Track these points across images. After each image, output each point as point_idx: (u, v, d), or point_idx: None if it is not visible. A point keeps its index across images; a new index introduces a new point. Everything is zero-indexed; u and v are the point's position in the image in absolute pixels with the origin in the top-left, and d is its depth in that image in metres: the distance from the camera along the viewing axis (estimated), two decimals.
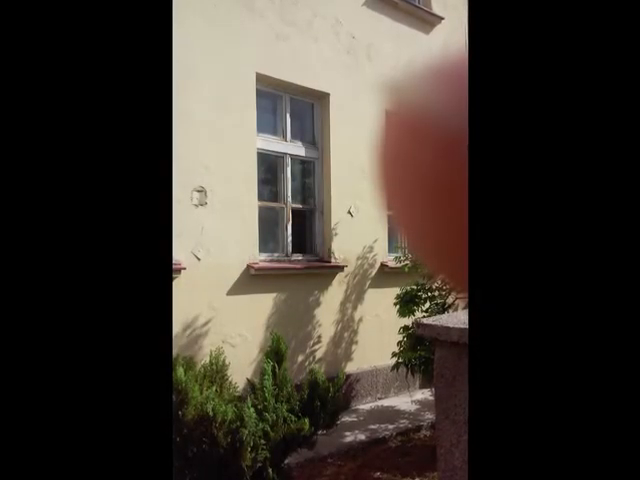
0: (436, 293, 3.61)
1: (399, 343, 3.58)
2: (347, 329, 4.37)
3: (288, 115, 4.21)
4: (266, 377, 2.49)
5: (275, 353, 2.64)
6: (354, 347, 4.40)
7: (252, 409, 2.34)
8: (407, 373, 3.53)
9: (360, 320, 4.43)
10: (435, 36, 5.05)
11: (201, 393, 2.36)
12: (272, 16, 3.95)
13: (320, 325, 4.19)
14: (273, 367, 2.56)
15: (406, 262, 3.79)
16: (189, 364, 2.64)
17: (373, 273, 4.54)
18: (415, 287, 3.64)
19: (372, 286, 4.52)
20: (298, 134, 4.31)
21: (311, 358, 4.13)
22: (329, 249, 4.29)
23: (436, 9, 5.10)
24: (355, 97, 4.34)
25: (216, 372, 2.66)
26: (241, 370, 3.36)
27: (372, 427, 3.76)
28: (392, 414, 4.06)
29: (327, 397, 2.61)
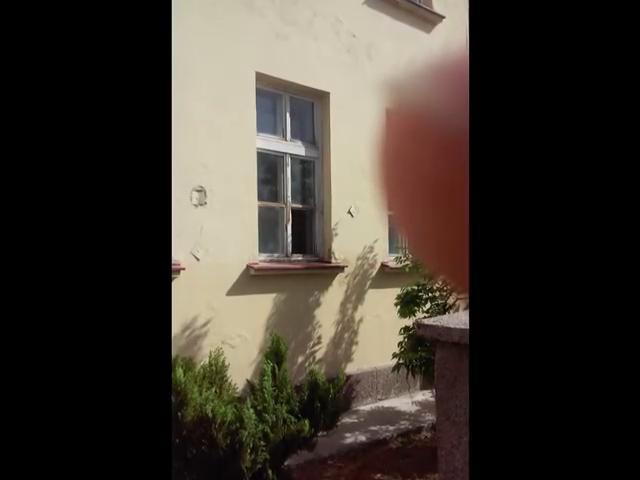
0: (437, 294, 3.61)
1: (400, 344, 3.58)
2: (347, 330, 4.37)
3: (288, 114, 4.21)
4: (266, 378, 2.49)
5: (275, 354, 2.64)
6: (354, 348, 4.40)
7: (252, 410, 2.34)
8: (408, 374, 3.53)
9: (360, 321, 4.43)
10: (436, 35, 5.05)
11: (200, 394, 2.36)
12: (272, 15, 3.95)
13: (320, 326, 4.19)
14: (273, 368, 2.56)
15: (407, 262, 3.79)
16: (188, 365, 2.64)
17: (373, 273, 4.54)
18: (416, 287, 3.64)
19: (372, 286, 4.52)
20: (298, 133, 4.31)
21: (311, 359, 4.13)
22: (329, 249, 4.29)
23: (437, 8, 5.10)
24: (355, 96, 4.34)
25: (215, 373, 2.66)
26: (241, 371, 3.36)
27: (372, 428, 3.76)
28: (392, 415, 4.06)
29: (327, 398, 2.61)
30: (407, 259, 3.80)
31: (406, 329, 3.55)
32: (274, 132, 4.16)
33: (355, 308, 4.42)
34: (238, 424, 2.29)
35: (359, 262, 4.45)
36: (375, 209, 4.28)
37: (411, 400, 4.33)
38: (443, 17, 5.09)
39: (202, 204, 3.56)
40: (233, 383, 2.78)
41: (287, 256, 4.16)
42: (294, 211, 4.24)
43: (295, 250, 4.22)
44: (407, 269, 3.74)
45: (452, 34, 5.04)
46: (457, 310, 3.48)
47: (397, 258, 3.93)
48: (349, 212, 4.39)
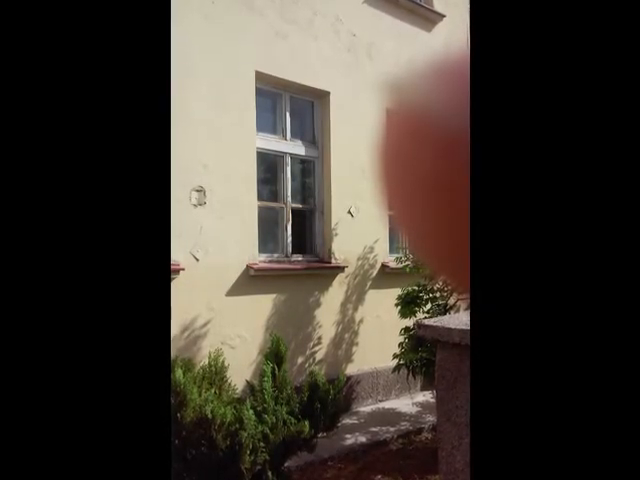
0: (438, 294, 3.62)
1: (400, 344, 3.58)
2: (347, 330, 4.37)
3: (288, 114, 4.21)
4: (265, 379, 2.49)
5: (275, 355, 2.64)
6: (355, 348, 4.40)
7: (251, 411, 2.34)
8: (408, 375, 3.53)
9: (361, 321, 4.43)
10: (436, 34, 5.05)
11: (200, 395, 2.36)
12: (272, 14, 3.95)
13: (320, 326, 4.19)
14: (273, 369, 2.56)
15: (407, 262, 3.79)
16: (188, 366, 2.64)
17: (374, 274, 4.54)
18: (416, 288, 3.64)
19: (373, 287, 4.52)
20: (298, 133, 4.31)
21: (311, 360, 4.13)
22: (329, 249, 4.29)
23: (437, 7, 5.10)
24: (355, 96, 4.34)
25: (215, 374, 2.66)
26: (240, 372, 3.36)
27: (373, 429, 3.76)
28: (393, 416, 4.06)
29: (327, 399, 2.61)
30: (407, 259, 3.80)
31: (407, 330, 3.55)
32: (274, 132, 4.16)
33: (355, 308, 4.42)
34: (238, 425, 2.29)
35: (359, 262, 4.45)
36: (375, 209, 4.28)
37: (411, 401, 4.33)
38: (444, 16, 5.09)
39: (202, 204, 3.56)
40: (233, 384, 2.78)
41: (287, 256, 4.16)
42: (294, 211, 4.24)
43: (295, 250, 4.22)
44: (408, 269, 3.74)
45: (453, 33, 5.05)
46: (458, 311, 3.48)
47: (397, 258, 3.93)
48: (349, 212, 4.39)
